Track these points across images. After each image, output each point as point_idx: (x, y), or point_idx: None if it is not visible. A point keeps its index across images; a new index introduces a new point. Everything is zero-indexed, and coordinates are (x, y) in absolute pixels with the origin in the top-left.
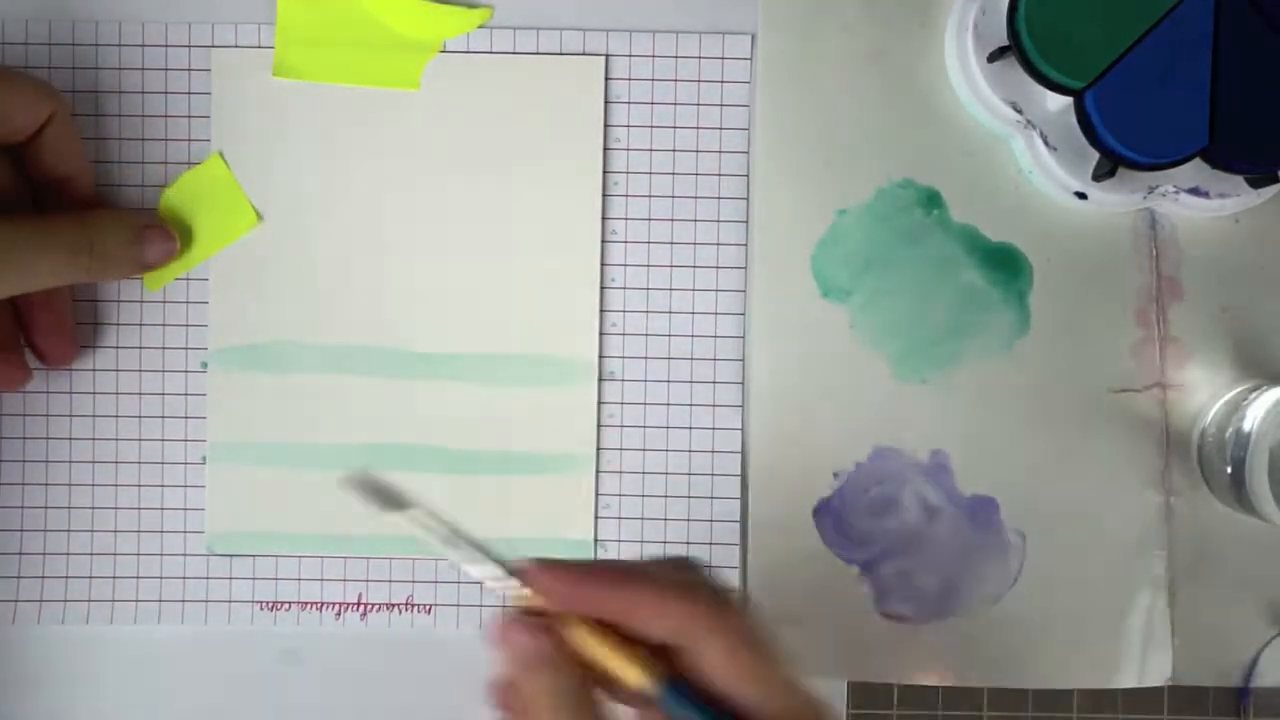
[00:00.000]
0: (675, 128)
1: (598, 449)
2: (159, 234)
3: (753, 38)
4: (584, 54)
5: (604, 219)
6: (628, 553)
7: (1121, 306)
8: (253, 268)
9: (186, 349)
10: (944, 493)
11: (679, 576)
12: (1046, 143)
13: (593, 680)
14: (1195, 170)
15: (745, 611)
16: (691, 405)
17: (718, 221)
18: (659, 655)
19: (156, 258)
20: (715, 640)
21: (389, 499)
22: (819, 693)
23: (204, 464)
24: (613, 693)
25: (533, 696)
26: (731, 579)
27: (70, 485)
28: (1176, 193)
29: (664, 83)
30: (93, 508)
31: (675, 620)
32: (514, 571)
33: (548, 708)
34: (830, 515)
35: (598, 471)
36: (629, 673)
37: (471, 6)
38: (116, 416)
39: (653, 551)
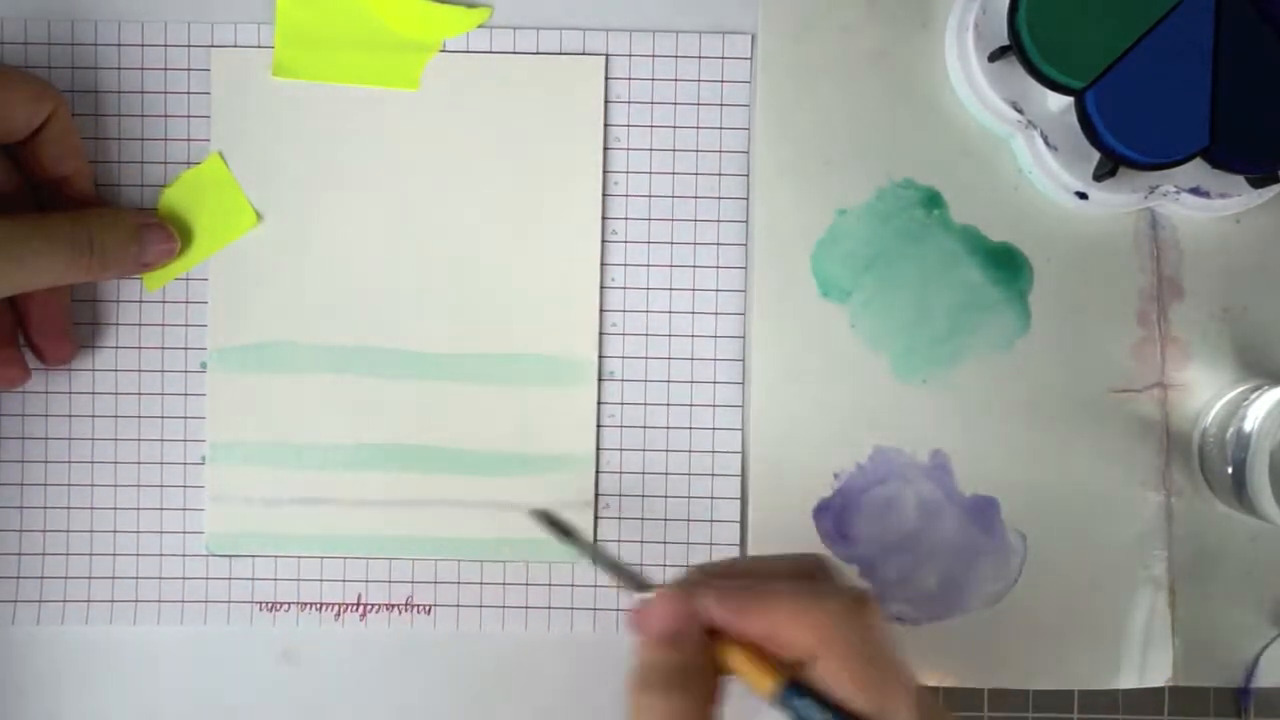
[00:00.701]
0: (675, 128)
1: (598, 449)
2: (159, 233)
3: (753, 38)
4: (584, 54)
5: (604, 219)
6: (627, 553)
7: (1122, 306)
8: (253, 268)
9: (186, 349)
10: (944, 493)
11: (810, 587)
12: (1047, 142)
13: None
14: (1196, 170)
15: (868, 619)
16: (691, 405)
17: (718, 221)
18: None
19: (156, 257)
20: (833, 649)
21: (563, 533)
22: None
23: (204, 464)
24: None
25: (665, 671)
26: None
27: (70, 485)
28: (1177, 193)
29: (664, 83)
30: (92, 508)
31: (805, 634)
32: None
33: (671, 684)
34: (830, 515)
35: (598, 471)
36: (761, 680)
37: (471, 6)
38: (116, 416)
39: (653, 553)
